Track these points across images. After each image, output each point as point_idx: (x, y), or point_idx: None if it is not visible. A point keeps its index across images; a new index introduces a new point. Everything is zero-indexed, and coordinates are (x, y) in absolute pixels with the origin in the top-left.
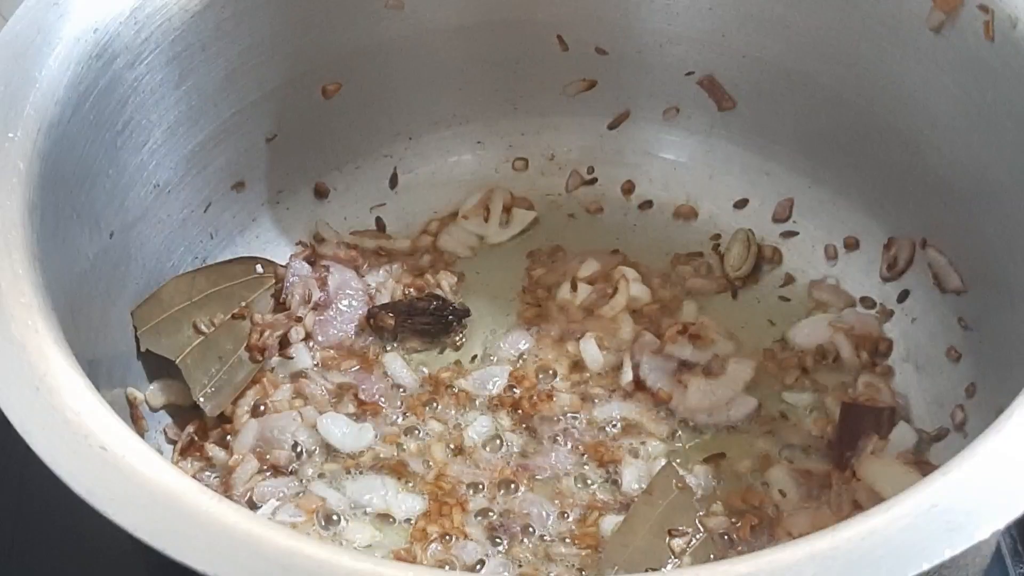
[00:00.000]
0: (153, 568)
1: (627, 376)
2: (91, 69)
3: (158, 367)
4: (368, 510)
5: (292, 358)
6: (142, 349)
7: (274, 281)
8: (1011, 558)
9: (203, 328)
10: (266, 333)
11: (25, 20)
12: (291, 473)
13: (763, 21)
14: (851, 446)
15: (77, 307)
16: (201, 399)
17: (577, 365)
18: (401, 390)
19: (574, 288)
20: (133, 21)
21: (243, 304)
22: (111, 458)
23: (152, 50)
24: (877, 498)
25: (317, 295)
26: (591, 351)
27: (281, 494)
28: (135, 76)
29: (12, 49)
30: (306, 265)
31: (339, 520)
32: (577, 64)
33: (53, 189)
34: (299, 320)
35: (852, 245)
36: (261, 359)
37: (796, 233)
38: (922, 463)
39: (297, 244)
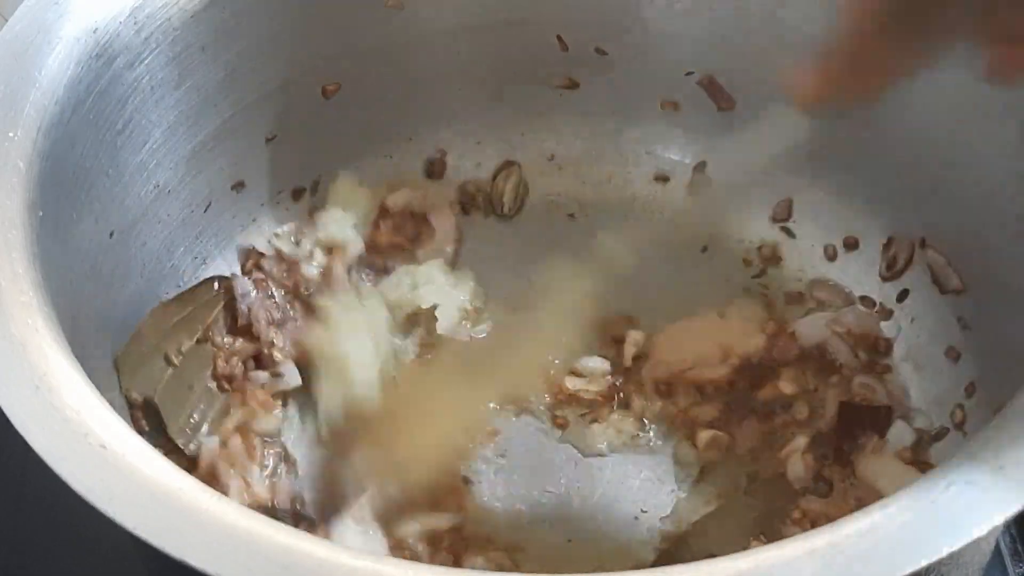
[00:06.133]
0: (153, 566)
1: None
2: (91, 69)
3: None
4: None
5: (282, 375)
6: (123, 391)
7: (225, 297)
8: (1011, 558)
9: (173, 359)
10: (232, 360)
11: (25, 20)
12: None
13: (763, 21)
14: (849, 445)
15: (77, 307)
16: (179, 439)
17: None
18: None
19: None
20: (133, 21)
21: (204, 326)
22: (111, 456)
23: (152, 50)
24: (877, 495)
25: (276, 314)
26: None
27: None
28: (135, 76)
29: (12, 49)
30: (248, 282)
31: None
32: (577, 64)
33: (53, 189)
34: (272, 346)
35: (852, 245)
36: (228, 388)
37: (796, 233)
38: (921, 462)
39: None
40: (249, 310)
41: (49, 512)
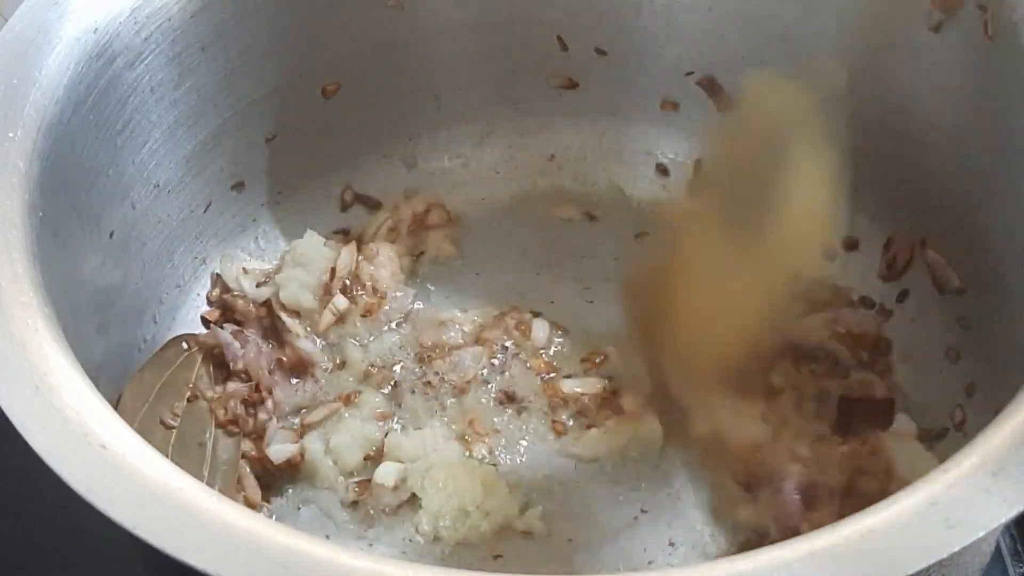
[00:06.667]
0: (153, 566)
1: None
2: (91, 69)
3: None
4: None
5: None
6: None
7: (200, 352)
8: (1011, 558)
9: (170, 422)
10: (231, 404)
11: (25, 20)
12: None
13: (763, 21)
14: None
15: (77, 307)
16: None
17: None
18: None
19: None
20: (133, 21)
21: (190, 385)
22: (111, 456)
23: (152, 50)
24: (891, 474)
25: (270, 361)
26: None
27: None
28: (135, 76)
29: (12, 49)
30: (226, 334)
31: None
32: (577, 64)
33: (53, 189)
34: (270, 393)
35: (852, 245)
36: (239, 431)
37: None
38: None
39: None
40: (241, 360)
41: (49, 512)
